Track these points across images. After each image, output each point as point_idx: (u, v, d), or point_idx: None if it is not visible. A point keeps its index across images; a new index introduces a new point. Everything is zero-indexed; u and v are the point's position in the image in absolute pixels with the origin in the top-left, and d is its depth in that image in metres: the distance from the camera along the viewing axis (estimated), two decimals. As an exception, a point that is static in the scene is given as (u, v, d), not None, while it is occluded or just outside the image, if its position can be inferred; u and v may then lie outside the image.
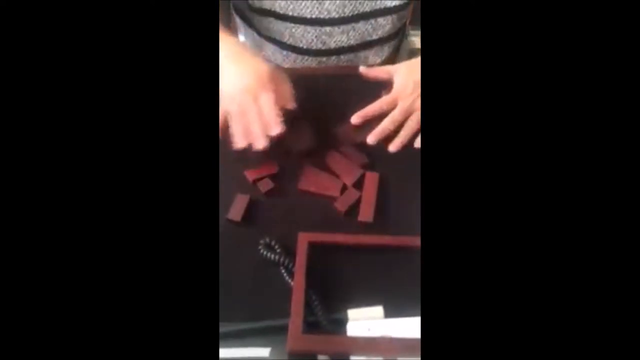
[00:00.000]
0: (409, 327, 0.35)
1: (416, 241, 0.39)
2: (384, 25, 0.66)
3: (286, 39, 0.66)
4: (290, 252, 0.41)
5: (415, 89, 0.53)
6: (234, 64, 0.49)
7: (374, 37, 0.67)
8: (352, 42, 0.66)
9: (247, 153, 0.48)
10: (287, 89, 0.50)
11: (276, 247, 0.42)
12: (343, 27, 0.64)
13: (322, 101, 0.57)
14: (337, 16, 0.63)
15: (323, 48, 0.66)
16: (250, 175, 0.48)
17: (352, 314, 0.37)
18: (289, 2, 0.61)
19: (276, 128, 0.47)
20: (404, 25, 0.73)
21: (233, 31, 0.78)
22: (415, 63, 0.56)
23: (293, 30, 0.65)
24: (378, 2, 0.63)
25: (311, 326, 0.36)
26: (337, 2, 0.61)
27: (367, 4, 0.62)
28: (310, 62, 0.68)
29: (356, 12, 0.63)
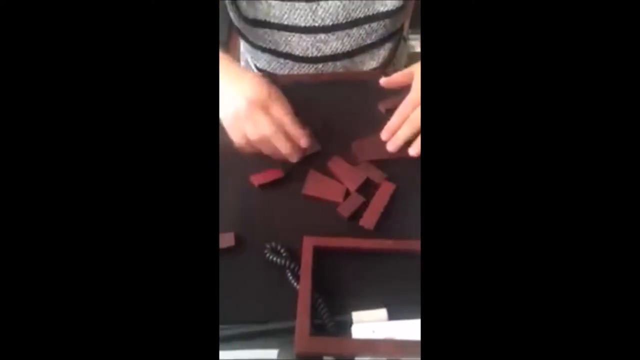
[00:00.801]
0: (413, 329, 0.36)
1: (418, 245, 0.40)
2: (377, 29, 0.67)
3: (282, 47, 0.67)
4: (295, 256, 0.42)
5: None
6: (231, 78, 0.49)
7: (368, 41, 0.69)
8: (348, 47, 0.68)
9: (251, 158, 0.49)
10: (284, 101, 0.51)
11: (282, 251, 0.43)
12: (337, 34, 0.65)
13: (321, 107, 0.58)
14: (331, 23, 0.64)
15: (319, 55, 0.68)
16: (255, 179, 0.49)
17: (357, 316, 0.38)
18: (283, 11, 0.62)
19: (304, 140, 0.49)
20: (400, 28, 0.74)
21: (233, 43, 0.79)
22: None
23: (288, 38, 0.66)
24: (370, 8, 0.64)
25: (317, 328, 0.37)
26: (331, 9, 0.62)
27: (360, 11, 0.64)
28: (307, 69, 0.70)
29: (350, 18, 0.64)
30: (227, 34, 0.78)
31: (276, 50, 0.68)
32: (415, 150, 0.51)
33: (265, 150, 0.49)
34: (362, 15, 0.64)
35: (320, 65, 0.69)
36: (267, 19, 0.64)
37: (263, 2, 0.62)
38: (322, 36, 0.65)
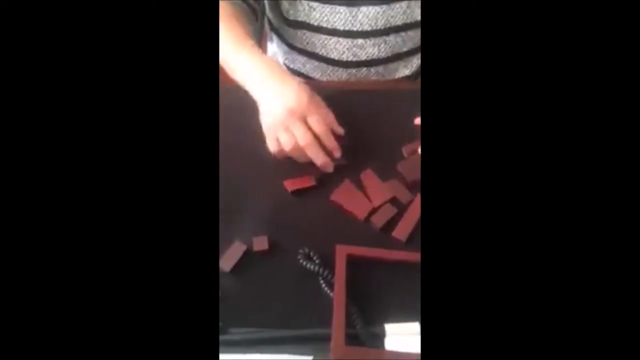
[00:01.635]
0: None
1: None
2: (414, 37, 0.67)
3: (318, 50, 0.68)
4: (327, 263, 0.43)
5: None
6: (274, 84, 0.50)
7: (404, 49, 0.68)
8: (383, 54, 0.67)
9: (285, 163, 0.49)
10: (327, 112, 0.51)
11: (314, 257, 0.43)
12: (375, 40, 0.65)
13: (357, 117, 0.58)
14: (369, 29, 0.64)
15: (354, 60, 0.68)
16: (289, 185, 0.49)
17: (390, 328, 0.38)
18: (323, 14, 0.62)
19: (337, 152, 0.49)
20: None
21: (263, 42, 0.80)
22: None
23: (325, 41, 0.66)
24: (409, 16, 0.64)
25: (350, 338, 0.38)
26: (371, 15, 0.62)
27: (399, 18, 0.64)
28: (340, 74, 0.70)
29: (388, 25, 0.64)
30: (260, 36, 0.78)
31: (312, 53, 0.68)
32: None
33: (299, 158, 0.50)
34: (400, 23, 0.64)
35: (354, 70, 0.69)
36: (307, 21, 0.64)
37: (304, 3, 0.62)
38: (360, 41, 0.65)
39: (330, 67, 0.69)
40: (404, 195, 0.49)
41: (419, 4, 0.63)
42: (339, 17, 0.62)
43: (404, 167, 0.52)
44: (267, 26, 0.75)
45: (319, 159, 0.49)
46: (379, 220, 0.47)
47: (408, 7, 0.62)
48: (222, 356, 0.37)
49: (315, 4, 0.62)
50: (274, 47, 0.77)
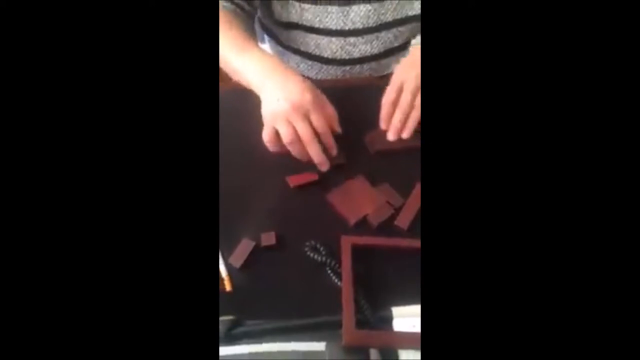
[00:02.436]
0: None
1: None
2: (405, 32, 0.69)
3: (311, 49, 0.69)
4: (334, 253, 0.45)
5: (409, 69, 0.54)
6: (279, 77, 0.51)
7: (396, 44, 0.70)
8: (375, 50, 0.69)
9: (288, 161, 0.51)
10: (331, 109, 0.52)
11: (321, 249, 0.45)
12: (367, 37, 0.67)
13: (349, 113, 0.60)
14: (361, 27, 0.66)
15: (347, 58, 0.69)
16: (292, 181, 0.51)
17: (397, 311, 0.40)
18: (316, 15, 0.64)
19: (334, 151, 0.51)
20: None
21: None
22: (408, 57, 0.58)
23: (318, 41, 0.68)
24: (400, 12, 0.66)
25: (360, 323, 0.39)
26: (362, 13, 0.64)
27: (389, 14, 0.65)
28: (334, 72, 0.72)
29: (379, 22, 0.66)
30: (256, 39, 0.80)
31: (306, 52, 0.70)
32: (407, 133, 0.54)
33: (294, 152, 0.51)
34: (391, 19, 0.66)
35: (347, 68, 0.71)
36: (300, 22, 0.66)
37: (296, 5, 0.63)
38: (352, 39, 0.67)
39: (325, 66, 0.71)
40: (395, 199, 0.50)
41: (409, 1, 0.65)
42: (330, 16, 0.64)
43: (369, 139, 0.54)
44: (258, 27, 0.76)
45: (317, 156, 0.50)
46: (375, 220, 0.48)
47: (398, 4, 0.64)
48: (237, 348, 0.39)
49: (307, 5, 0.63)
50: (267, 48, 0.79)
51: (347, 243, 0.44)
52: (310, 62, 0.72)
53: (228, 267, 0.45)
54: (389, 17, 0.66)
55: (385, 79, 0.57)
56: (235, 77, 0.56)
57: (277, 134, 0.50)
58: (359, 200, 0.50)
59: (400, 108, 0.54)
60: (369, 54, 0.69)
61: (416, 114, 0.53)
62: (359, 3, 0.63)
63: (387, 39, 0.68)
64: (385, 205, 0.49)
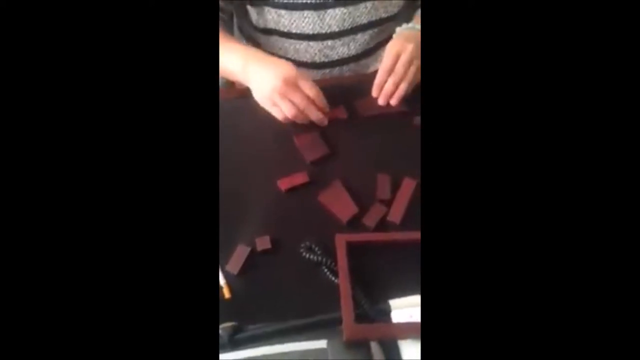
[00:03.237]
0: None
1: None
2: (380, 33, 0.71)
3: (290, 54, 0.70)
4: (329, 252, 0.46)
5: (405, 42, 0.58)
6: (264, 62, 0.58)
7: (372, 44, 0.72)
8: (353, 52, 0.71)
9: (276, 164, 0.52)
10: (314, 83, 0.57)
11: (316, 249, 0.46)
12: (344, 40, 0.69)
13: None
14: (337, 30, 0.67)
15: (326, 61, 0.71)
16: (282, 184, 0.52)
17: (394, 303, 0.41)
18: (292, 20, 0.65)
19: (327, 108, 0.58)
20: None
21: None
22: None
23: (297, 46, 0.69)
24: (374, 14, 0.67)
25: (359, 317, 0.40)
26: (337, 16, 0.65)
27: (364, 17, 0.67)
28: (314, 75, 0.73)
29: (355, 24, 0.67)
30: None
31: (285, 58, 0.71)
32: (395, 100, 0.59)
33: (299, 120, 0.57)
34: (366, 21, 0.67)
35: (327, 71, 0.72)
36: (277, 28, 0.66)
37: (272, 11, 0.64)
38: (329, 42, 0.68)
39: (305, 70, 0.72)
40: (384, 193, 0.51)
41: (382, 2, 0.66)
42: (307, 21, 0.65)
43: (359, 105, 0.59)
44: (238, 33, 0.77)
45: (317, 118, 0.57)
46: (370, 221, 0.49)
47: (372, 6, 0.66)
48: (241, 353, 0.39)
49: (283, 12, 0.64)
50: None
51: (341, 241, 0.45)
52: (290, 67, 0.73)
53: (225, 274, 0.46)
54: (364, 20, 0.67)
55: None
56: (221, 75, 0.62)
57: (283, 112, 0.56)
58: (350, 197, 0.51)
59: (393, 76, 0.58)
60: (347, 56, 0.71)
61: (406, 84, 0.58)
62: (334, 7, 0.64)
63: (363, 40, 0.70)
64: (377, 205, 0.50)
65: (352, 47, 0.70)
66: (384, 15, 0.68)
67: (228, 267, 0.46)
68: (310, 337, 0.40)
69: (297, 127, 0.58)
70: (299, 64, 0.71)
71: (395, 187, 0.51)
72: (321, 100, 0.57)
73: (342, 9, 0.64)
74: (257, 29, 0.69)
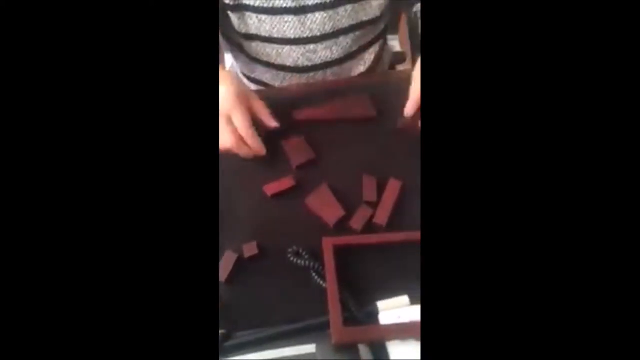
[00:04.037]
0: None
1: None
2: (362, 36, 0.71)
3: (274, 59, 0.70)
4: (316, 256, 0.46)
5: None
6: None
7: (355, 48, 0.72)
8: (336, 55, 0.71)
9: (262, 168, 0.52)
10: (259, 103, 0.55)
11: (304, 253, 0.46)
12: (326, 43, 0.69)
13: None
14: (319, 34, 0.67)
15: (310, 65, 0.71)
16: (268, 190, 0.52)
17: (382, 305, 0.41)
18: (273, 25, 0.65)
19: (263, 150, 0.53)
20: (383, 31, 0.78)
21: (221, 53, 0.82)
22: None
23: (279, 50, 0.69)
24: (355, 18, 0.68)
25: (347, 321, 0.41)
26: (318, 21, 0.65)
27: (345, 20, 0.67)
28: (299, 79, 0.73)
29: (336, 28, 0.67)
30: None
31: (268, 62, 0.71)
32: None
33: (241, 154, 0.53)
34: (347, 25, 0.68)
35: (311, 74, 0.73)
36: (259, 33, 0.67)
37: (253, 17, 0.64)
38: (312, 46, 0.68)
39: (289, 74, 0.72)
40: (371, 195, 0.51)
41: (362, 6, 0.67)
42: (288, 26, 0.65)
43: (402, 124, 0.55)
44: (222, 39, 0.77)
45: (247, 155, 0.53)
46: (357, 224, 0.49)
47: (353, 9, 0.66)
48: (231, 359, 0.40)
49: (264, 17, 0.64)
50: (231, 58, 0.79)
51: (328, 244, 0.45)
52: (274, 72, 0.73)
53: (213, 282, 0.45)
54: (345, 23, 0.68)
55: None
56: None
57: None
58: (337, 200, 0.51)
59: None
60: (330, 59, 0.71)
61: None
62: (315, 11, 0.64)
63: (345, 44, 0.70)
64: (363, 207, 0.50)
65: (335, 51, 0.71)
66: (365, 18, 0.68)
67: (216, 275, 0.46)
68: (300, 342, 0.40)
69: (270, 173, 0.55)
70: (282, 68, 0.72)
71: (381, 188, 0.52)
72: (252, 139, 0.52)
73: (322, 13, 0.65)
74: (239, 34, 0.69)
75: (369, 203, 0.50)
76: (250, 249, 0.47)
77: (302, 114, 0.60)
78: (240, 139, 0.52)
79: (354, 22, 0.68)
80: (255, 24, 0.65)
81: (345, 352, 0.38)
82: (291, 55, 0.69)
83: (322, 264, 0.44)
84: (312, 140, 0.57)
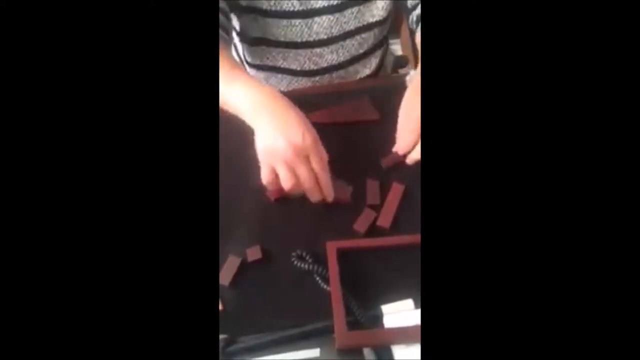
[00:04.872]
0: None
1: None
2: (368, 39, 0.71)
3: (279, 63, 0.71)
4: (320, 260, 0.45)
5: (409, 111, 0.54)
6: (274, 114, 0.47)
7: (361, 51, 0.72)
8: (342, 59, 0.71)
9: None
10: (324, 151, 0.48)
11: (307, 257, 0.46)
12: (332, 47, 0.69)
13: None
14: (325, 37, 0.67)
15: (315, 68, 0.71)
16: (272, 194, 0.52)
17: (386, 309, 0.41)
18: (280, 29, 0.66)
19: (332, 196, 0.49)
20: (386, 36, 0.78)
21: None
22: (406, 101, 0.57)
23: (286, 54, 0.69)
24: (360, 20, 0.68)
25: (351, 325, 0.40)
26: (325, 24, 0.66)
27: (351, 23, 0.67)
28: (304, 82, 0.73)
29: (342, 31, 0.68)
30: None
31: (274, 67, 0.72)
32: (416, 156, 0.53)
33: (292, 194, 0.48)
34: (353, 27, 0.68)
35: (317, 78, 0.73)
36: (265, 37, 0.67)
37: (260, 19, 0.65)
38: (318, 50, 0.69)
39: (294, 78, 0.73)
40: (374, 198, 0.51)
41: (368, 8, 0.67)
42: (295, 29, 0.66)
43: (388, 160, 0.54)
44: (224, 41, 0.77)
45: (316, 199, 0.49)
46: (361, 227, 0.48)
47: (358, 11, 0.66)
48: (235, 364, 0.39)
49: (270, 20, 0.65)
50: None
51: (332, 248, 0.45)
52: (279, 76, 0.73)
53: (217, 285, 0.45)
54: (351, 26, 0.68)
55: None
56: (225, 107, 0.51)
57: (276, 175, 0.47)
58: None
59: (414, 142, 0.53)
60: (336, 63, 0.71)
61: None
62: (322, 14, 0.65)
63: (352, 46, 0.70)
64: (367, 211, 0.50)
65: (341, 54, 0.71)
66: (371, 20, 0.68)
67: (219, 279, 0.46)
68: (303, 347, 0.40)
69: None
70: (288, 72, 0.72)
71: (384, 191, 0.51)
72: (326, 182, 0.48)
73: (329, 16, 0.65)
74: (245, 39, 0.69)
75: (372, 206, 0.50)
76: (253, 253, 0.47)
77: (308, 118, 0.60)
78: (313, 181, 0.47)
79: (360, 24, 0.68)
80: (261, 27, 0.66)
81: (349, 356, 0.38)
82: (297, 59, 0.70)
83: (326, 268, 0.44)
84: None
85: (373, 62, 0.76)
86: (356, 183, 0.52)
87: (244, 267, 0.46)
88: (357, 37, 0.70)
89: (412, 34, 0.71)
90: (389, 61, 0.86)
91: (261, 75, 0.75)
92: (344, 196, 0.51)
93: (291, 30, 0.66)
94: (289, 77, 0.73)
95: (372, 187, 0.52)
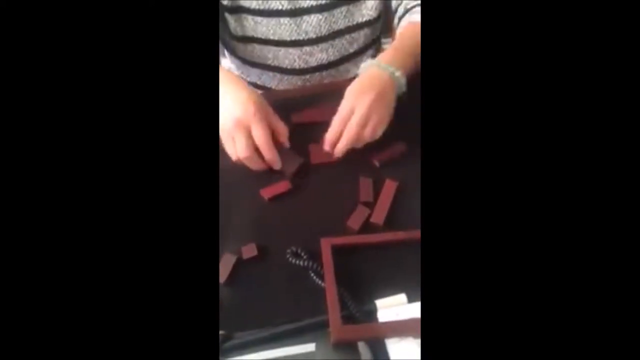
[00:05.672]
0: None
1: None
2: (358, 38, 0.72)
3: (270, 61, 0.71)
4: (315, 256, 0.46)
5: (365, 90, 0.52)
6: (225, 94, 0.51)
7: (351, 50, 0.73)
8: (332, 58, 0.72)
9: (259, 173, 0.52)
10: (279, 123, 0.53)
11: (302, 254, 0.46)
12: (322, 46, 0.70)
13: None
14: (314, 36, 0.68)
15: (306, 67, 0.72)
16: (265, 193, 0.52)
17: (380, 303, 0.42)
18: (269, 27, 0.66)
19: (276, 165, 0.52)
20: (378, 36, 0.79)
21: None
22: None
23: (276, 52, 0.69)
24: (350, 19, 0.68)
25: (346, 319, 0.41)
26: (314, 22, 0.66)
27: (340, 22, 0.68)
28: (295, 81, 0.73)
29: (332, 30, 0.68)
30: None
31: (265, 64, 0.72)
32: (338, 152, 0.53)
33: (237, 162, 0.52)
34: (343, 27, 0.68)
35: (307, 77, 0.73)
36: (255, 35, 0.67)
37: (249, 19, 0.65)
38: (307, 49, 0.69)
39: (285, 76, 0.73)
40: (367, 195, 0.52)
41: (358, 7, 0.68)
42: (284, 28, 0.66)
43: (313, 149, 0.55)
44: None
45: (259, 168, 0.52)
46: (355, 223, 0.49)
47: (348, 11, 0.67)
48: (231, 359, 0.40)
49: (259, 19, 0.65)
50: (227, 61, 0.80)
51: (326, 244, 0.46)
52: (270, 74, 0.74)
53: (213, 283, 0.46)
54: (340, 25, 0.68)
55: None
56: None
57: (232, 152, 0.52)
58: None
59: (346, 134, 0.52)
60: (326, 62, 0.72)
61: (351, 138, 0.52)
62: (310, 13, 0.65)
63: (341, 45, 0.71)
64: (360, 207, 0.51)
65: (331, 53, 0.71)
66: (360, 19, 0.69)
67: (215, 276, 0.46)
68: (299, 342, 0.40)
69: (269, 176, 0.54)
70: (278, 70, 0.72)
71: (377, 189, 0.52)
72: (269, 153, 0.51)
73: (317, 15, 0.65)
74: (235, 37, 0.69)
75: (365, 203, 0.51)
76: (249, 251, 0.47)
77: (300, 117, 0.60)
78: (257, 151, 0.51)
79: (349, 24, 0.69)
80: (251, 25, 0.66)
81: (344, 350, 0.39)
82: (287, 58, 0.70)
83: (321, 264, 0.45)
84: (309, 142, 0.57)
85: (364, 61, 0.77)
86: (350, 181, 0.53)
87: (239, 264, 0.47)
88: (347, 37, 0.70)
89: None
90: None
91: (253, 72, 0.75)
92: (292, 167, 0.53)
93: (280, 28, 0.66)
94: (279, 75, 0.73)
95: (365, 184, 0.53)
